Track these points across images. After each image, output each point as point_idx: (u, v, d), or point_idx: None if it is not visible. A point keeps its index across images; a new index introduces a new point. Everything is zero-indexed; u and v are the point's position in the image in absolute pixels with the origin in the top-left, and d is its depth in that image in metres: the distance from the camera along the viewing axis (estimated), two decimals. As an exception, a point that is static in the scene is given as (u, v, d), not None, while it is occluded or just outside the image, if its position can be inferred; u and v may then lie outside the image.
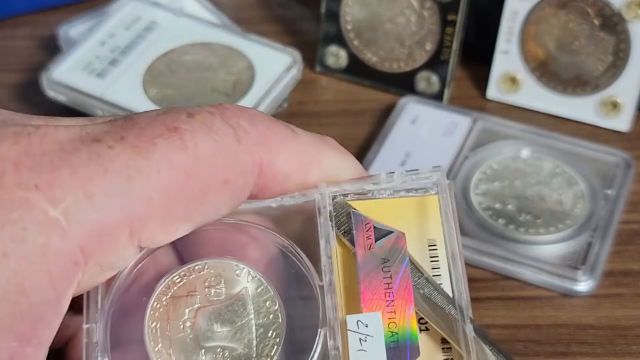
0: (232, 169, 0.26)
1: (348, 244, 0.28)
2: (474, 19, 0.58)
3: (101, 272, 0.25)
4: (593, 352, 0.43)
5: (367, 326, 0.26)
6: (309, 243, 0.28)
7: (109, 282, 0.27)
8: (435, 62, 0.57)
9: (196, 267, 0.27)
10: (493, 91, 0.58)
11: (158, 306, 0.27)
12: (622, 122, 0.56)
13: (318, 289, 0.27)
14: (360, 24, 0.59)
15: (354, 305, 0.27)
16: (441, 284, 0.27)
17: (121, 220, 0.24)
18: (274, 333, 0.27)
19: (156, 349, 0.26)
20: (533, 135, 0.54)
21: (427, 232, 0.28)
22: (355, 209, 0.28)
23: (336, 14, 0.59)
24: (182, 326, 0.27)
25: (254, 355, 0.26)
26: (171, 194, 0.25)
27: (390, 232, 0.27)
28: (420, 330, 0.27)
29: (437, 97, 0.58)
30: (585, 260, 0.47)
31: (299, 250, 0.28)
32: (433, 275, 0.28)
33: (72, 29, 0.60)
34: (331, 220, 0.28)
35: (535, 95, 0.57)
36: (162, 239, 0.26)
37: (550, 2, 0.55)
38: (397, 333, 0.26)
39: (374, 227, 0.27)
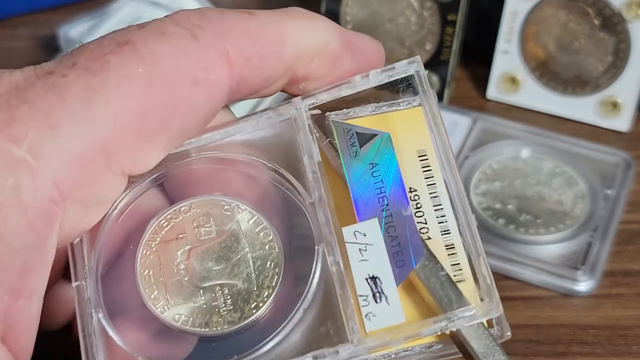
0: (197, 67, 0.25)
1: (334, 154, 0.26)
2: (474, 19, 0.58)
3: (86, 210, 0.24)
4: (593, 352, 0.43)
5: (365, 235, 0.25)
6: (292, 165, 0.27)
7: (94, 236, 0.26)
8: (435, 62, 0.57)
9: (182, 208, 0.26)
10: (493, 91, 0.58)
11: (148, 253, 0.26)
12: (622, 122, 0.56)
13: (309, 206, 0.26)
14: (360, 24, 0.59)
15: (348, 217, 0.26)
16: (437, 192, 0.26)
17: (90, 146, 0.23)
18: (272, 263, 0.26)
19: (152, 296, 0.26)
20: (533, 135, 0.54)
21: (415, 144, 0.27)
22: (334, 117, 0.27)
23: (336, 14, 0.59)
24: (175, 270, 0.26)
25: (255, 288, 0.26)
26: (137, 107, 0.24)
27: (375, 135, 0.26)
28: (422, 240, 0.25)
29: (437, 97, 0.58)
30: (585, 260, 0.47)
31: (285, 172, 0.27)
32: (428, 185, 0.26)
33: (72, 29, 0.60)
34: (312, 134, 0.26)
35: (535, 95, 0.57)
36: (143, 160, 0.24)
37: (550, 2, 0.55)
38: (397, 237, 0.25)
39: (357, 133, 0.26)
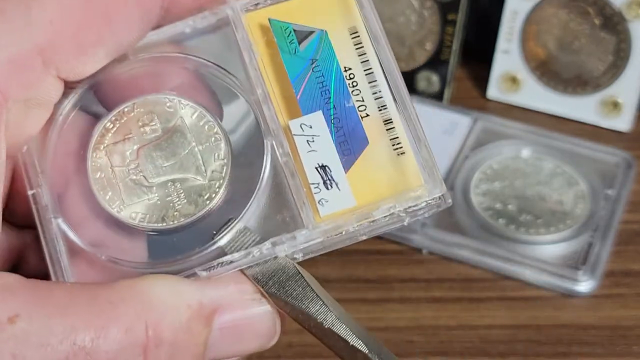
0: None
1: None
2: (474, 19, 0.58)
3: (28, 111, 0.25)
4: (594, 352, 0.43)
5: (311, 127, 0.26)
6: (232, 61, 0.28)
7: (43, 145, 0.27)
8: (436, 62, 0.57)
9: (125, 110, 0.27)
10: (493, 91, 0.58)
11: (97, 156, 0.27)
12: (622, 122, 0.56)
13: (253, 102, 0.27)
14: (360, 24, 0.59)
15: (293, 111, 0.27)
16: (371, 69, 0.27)
17: (29, 49, 0.24)
18: (219, 154, 0.27)
19: (107, 197, 0.26)
20: (533, 135, 0.54)
21: (346, 21, 0.28)
22: (270, 17, 0.28)
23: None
24: (126, 170, 0.27)
25: (206, 180, 0.26)
26: (74, 15, 0.25)
27: (312, 32, 0.27)
28: (362, 117, 0.27)
29: (438, 96, 0.58)
30: (585, 261, 0.47)
31: (225, 69, 0.28)
32: (361, 62, 0.27)
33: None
34: (249, 33, 0.27)
35: (535, 95, 0.57)
36: (79, 67, 0.26)
37: (550, 2, 0.55)
38: (341, 127, 0.26)
39: (294, 31, 0.27)
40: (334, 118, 0.27)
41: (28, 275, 0.24)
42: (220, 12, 0.28)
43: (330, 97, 0.27)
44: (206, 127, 0.27)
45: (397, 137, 0.27)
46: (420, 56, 0.58)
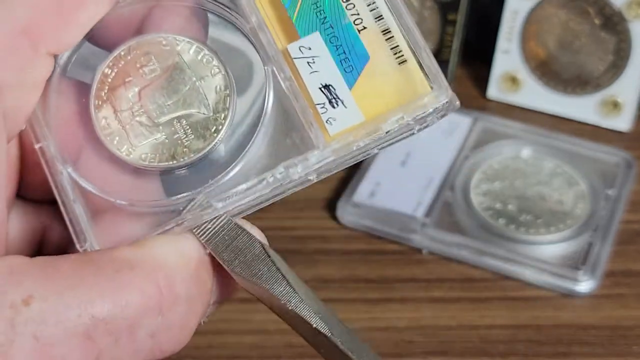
0: None
1: None
2: (475, 19, 0.58)
3: (23, 93, 0.25)
4: (594, 353, 0.43)
5: (310, 49, 0.26)
6: None
7: (44, 98, 0.27)
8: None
9: (122, 53, 0.27)
10: (493, 91, 0.58)
11: (100, 103, 0.27)
12: (622, 122, 0.56)
13: (249, 32, 0.27)
14: (360, 24, 0.59)
15: (290, 35, 0.27)
16: (375, 2, 0.27)
17: (12, 31, 0.24)
18: (221, 86, 0.27)
19: (115, 142, 0.26)
20: (533, 135, 0.54)
21: None
22: None
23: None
24: (130, 112, 0.27)
25: (211, 113, 0.26)
26: None
27: None
28: (359, 31, 0.27)
29: (438, 96, 0.58)
30: (586, 261, 0.47)
31: (216, 0, 0.27)
32: None
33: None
34: None
35: (535, 95, 0.57)
36: (67, 37, 0.25)
37: (550, 2, 0.55)
38: (340, 45, 0.26)
39: None
40: (332, 37, 0.26)
41: (52, 254, 0.24)
42: None
43: (325, 17, 0.27)
44: (204, 60, 0.27)
45: (398, 46, 0.26)
46: None
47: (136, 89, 0.27)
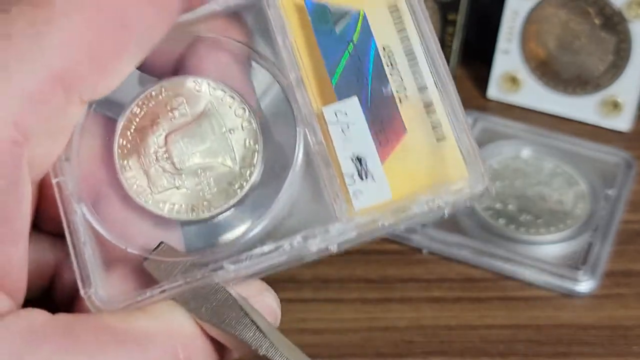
0: None
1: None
2: (475, 19, 0.58)
3: (54, 139, 0.24)
4: (594, 353, 0.43)
5: (346, 114, 0.25)
6: (264, 43, 0.26)
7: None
8: (436, 62, 0.57)
9: (153, 93, 0.26)
10: (493, 91, 0.58)
11: (125, 143, 0.25)
12: (622, 122, 0.56)
13: (286, 87, 0.25)
14: (360, 24, 0.59)
15: (328, 96, 0.25)
16: (411, 46, 0.25)
17: (45, 80, 0.22)
18: (250, 140, 0.25)
19: (134, 186, 0.25)
20: (533, 135, 0.54)
21: None
22: None
23: (336, 13, 0.59)
24: (155, 157, 0.25)
25: (237, 167, 0.25)
26: (88, 33, 0.23)
27: (348, 12, 0.26)
28: (400, 101, 0.25)
29: (438, 96, 0.58)
30: (586, 260, 0.47)
31: (256, 50, 0.26)
32: (401, 41, 0.25)
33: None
34: (283, 13, 0.26)
35: (535, 95, 0.57)
36: (103, 84, 0.24)
37: (550, 2, 0.55)
38: (378, 114, 0.25)
39: (330, 11, 0.25)
40: (370, 104, 0.25)
41: (62, 291, 0.23)
42: None
43: (366, 82, 0.25)
44: (236, 111, 0.26)
45: (438, 121, 0.25)
46: None
47: (163, 132, 0.25)
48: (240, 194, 0.25)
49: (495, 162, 0.53)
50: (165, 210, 0.25)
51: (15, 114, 0.22)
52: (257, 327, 0.24)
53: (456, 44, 0.56)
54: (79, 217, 0.25)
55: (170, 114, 0.26)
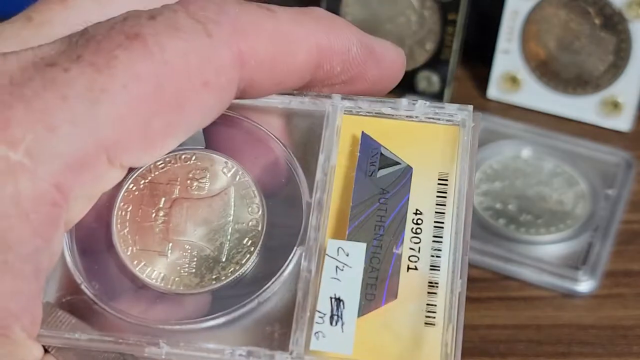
0: (208, 67, 0.23)
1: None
2: (475, 19, 0.58)
3: (91, 200, 0.24)
4: (594, 353, 0.43)
5: (348, 255, 0.24)
6: (307, 155, 0.26)
7: None
8: (436, 62, 0.57)
9: (183, 156, 0.25)
10: (493, 91, 0.58)
11: (134, 188, 0.25)
12: (622, 122, 0.56)
13: (305, 205, 0.25)
14: (360, 24, 0.59)
15: (340, 230, 0.24)
16: (442, 223, 0.24)
17: (93, 148, 0.22)
18: (250, 241, 0.25)
19: (122, 232, 0.24)
20: (534, 135, 0.54)
21: (440, 165, 0.25)
22: (365, 130, 0.25)
23: (336, 13, 0.59)
24: (154, 215, 0.25)
25: (223, 259, 0.24)
26: (144, 108, 0.23)
27: (397, 164, 0.25)
28: (407, 269, 0.24)
29: (438, 96, 0.58)
30: (586, 260, 0.47)
31: (295, 160, 0.26)
32: (436, 212, 0.25)
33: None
34: (337, 136, 0.25)
35: (535, 95, 0.57)
36: (146, 158, 0.23)
37: (550, 2, 0.55)
38: (378, 270, 0.24)
39: (381, 154, 0.25)
40: (374, 256, 0.24)
41: None
42: (319, 104, 0.26)
43: (381, 235, 0.24)
44: (250, 208, 0.25)
45: (435, 305, 0.24)
46: (420, 56, 0.58)
47: (173, 196, 0.25)
48: (211, 287, 0.24)
49: (495, 162, 0.53)
50: (137, 267, 0.24)
51: (57, 176, 0.22)
52: None
53: (456, 44, 0.56)
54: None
55: (188, 181, 0.25)
